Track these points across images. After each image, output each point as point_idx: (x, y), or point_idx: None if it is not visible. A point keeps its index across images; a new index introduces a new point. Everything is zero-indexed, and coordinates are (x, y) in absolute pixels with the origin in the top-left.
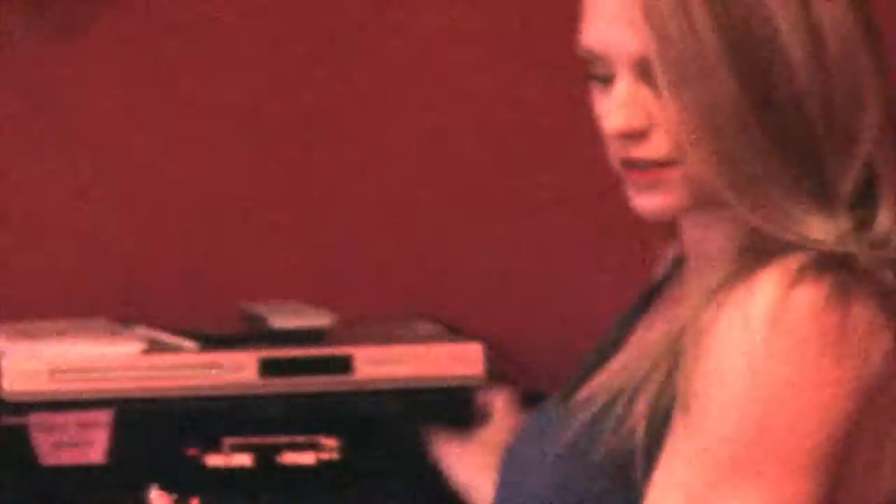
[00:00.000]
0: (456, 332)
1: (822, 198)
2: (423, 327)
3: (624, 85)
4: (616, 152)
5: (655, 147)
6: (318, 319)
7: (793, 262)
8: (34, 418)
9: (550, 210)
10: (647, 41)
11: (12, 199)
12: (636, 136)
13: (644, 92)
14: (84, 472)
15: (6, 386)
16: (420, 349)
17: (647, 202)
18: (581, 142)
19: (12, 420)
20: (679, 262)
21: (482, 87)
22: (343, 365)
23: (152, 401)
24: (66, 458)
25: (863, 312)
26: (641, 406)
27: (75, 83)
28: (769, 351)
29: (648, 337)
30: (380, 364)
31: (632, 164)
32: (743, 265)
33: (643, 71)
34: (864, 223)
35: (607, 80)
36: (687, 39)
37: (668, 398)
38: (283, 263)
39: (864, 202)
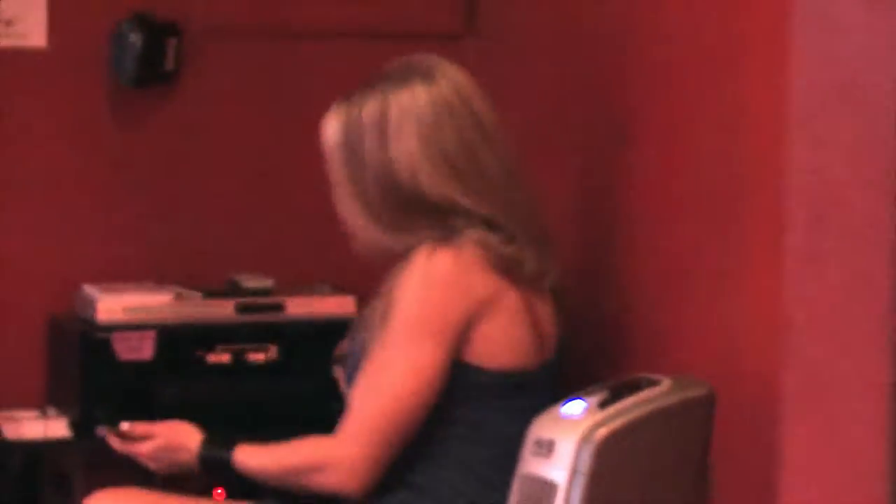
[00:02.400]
0: (341, 289)
1: (440, 230)
2: (321, 287)
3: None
4: None
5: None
6: (266, 282)
7: (429, 247)
8: (115, 335)
9: None
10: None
11: None
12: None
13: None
14: (141, 363)
15: (99, 317)
16: (322, 299)
17: (353, 247)
18: None
19: (103, 335)
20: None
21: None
22: (280, 307)
23: (178, 325)
24: (132, 355)
25: (469, 265)
26: (378, 329)
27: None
28: (420, 286)
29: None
30: (299, 307)
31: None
32: (406, 259)
33: None
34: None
35: None
36: (336, 167)
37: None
38: (251, 251)
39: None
